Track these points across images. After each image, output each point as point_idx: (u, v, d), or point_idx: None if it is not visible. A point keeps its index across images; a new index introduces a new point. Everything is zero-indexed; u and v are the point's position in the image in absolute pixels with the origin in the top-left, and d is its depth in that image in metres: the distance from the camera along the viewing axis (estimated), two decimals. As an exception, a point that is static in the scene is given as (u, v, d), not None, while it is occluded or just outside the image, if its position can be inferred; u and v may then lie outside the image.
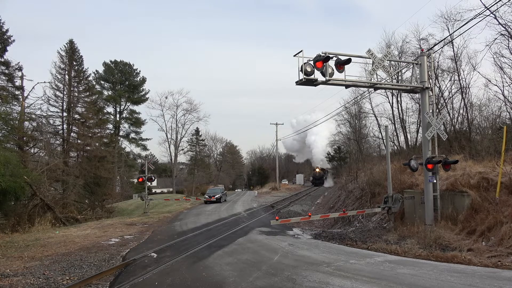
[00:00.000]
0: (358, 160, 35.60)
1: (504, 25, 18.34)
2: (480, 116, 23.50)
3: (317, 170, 66.67)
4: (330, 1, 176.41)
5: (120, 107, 60.50)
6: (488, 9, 16.64)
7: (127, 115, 61.66)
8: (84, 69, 36.16)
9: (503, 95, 20.98)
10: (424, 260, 9.91)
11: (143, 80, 62.70)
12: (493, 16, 17.69)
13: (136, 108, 62.72)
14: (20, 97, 30.59)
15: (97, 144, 36.14)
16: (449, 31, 21.81)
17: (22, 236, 17.23)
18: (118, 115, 60.30)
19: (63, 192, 29.84)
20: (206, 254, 11.74)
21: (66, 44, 34.59)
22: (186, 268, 9.88)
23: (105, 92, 58.94)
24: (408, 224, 13.60)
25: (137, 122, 61.97)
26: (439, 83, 23.89)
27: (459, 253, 9.91)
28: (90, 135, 35.76)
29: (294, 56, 11.52)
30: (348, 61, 11.69)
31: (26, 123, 28.87)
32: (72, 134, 34.46)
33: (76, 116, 34.59)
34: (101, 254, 12.32)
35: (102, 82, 60.04)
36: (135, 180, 55.39)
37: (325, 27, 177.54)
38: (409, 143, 28.68)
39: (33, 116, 29.49)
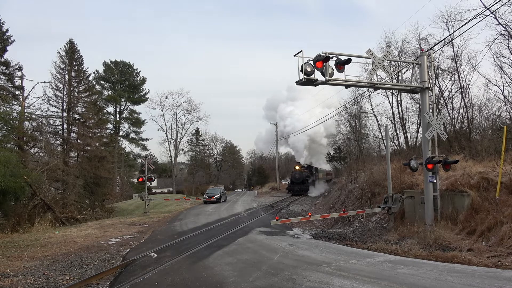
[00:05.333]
0: (358, 160, 35.54)
1: (504, 25, 18.35)
2: (480, 116, 23.54)
3: (297, 168, 44.71)
4: (331, 2, 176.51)
5: (120, 107, 60.57)
6: (488, 9, 16.65)
7: (127, 115, 61.72)
8: (84, 69, 36.16)
9: (503, 95, 21.00)
10: (424, 260, 9.92)
11: (143, 80, 62.78)
12: (493, 16, 17.70)
13: (136, 108, 62.85)
14: (20, 97, 30.54)
15: (97, 144, 36.09)
16: (449, 31, 21.82)
17: (22, 236, 17.24)
18: (118, 115, 60.36)
19: (63, 192, 29.84)
20: (206, 254, 11.74)
21: (66, 44, 34.60)
22: (186, 268, 9.89)
23: (105, 92, 58.97)
24: (408, 224, 13.60)
25: (137, 122, 62.00)
26: (439, 83, 23.90)
27: (459, 253, 9.91)
28: (90, 135, 35.73)
29: (294, 56, 11.53)
30: (348, 61, 11.69)
31: (26, 123, 28.84)
32: (72, 134, 34.45)
33: (76, 116, 34.58)
34: (101, 254, 12.33)
35: (102, 82, 60.09)
36: (135, 180, 55.36)
37: (325, 27, 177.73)
38: (409, 143, 28.66)
39: (33, 116, 29.45)
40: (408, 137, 29.35)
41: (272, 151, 65.10)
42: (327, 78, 11.75)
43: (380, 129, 33.33)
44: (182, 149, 70.67)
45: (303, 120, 45.75)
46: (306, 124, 43.10)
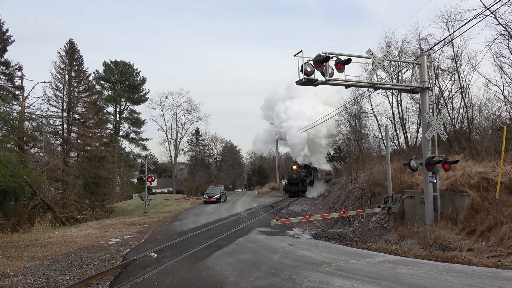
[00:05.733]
0: (358, 160, 35.56)
1: (504, 25, 18.37)
2: (480, 116, 23.56)
3: (294, 167, 42.91)
4: (331, 2, 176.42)
5: (120, 107, 60.52)
6: (488, 9, 16.66)
7: (127, 115, 61.68)
8: (84, 69, 36.13)
9: (503, 95, 21.04)
10: (424, 260, 9.92)
11: (143, 80, 62.75)
12: (493, 16, 17.72)
13: (136, 108, 62.76)
14: (20, 97, 30.56)
15: (97, 144, 36.09)
16: (449, 31, 21.84)
17: (22, 236, 17.24)
18: (118, 115, 60.32)
19: (63, 192, 29.82)
20: (206, 254, 11.75)
21: (66, 44, 34.56)
22: (186, 268, 9.89)
23: (105, 92, 58.94)
24: (408, 224, 13.61)
25: (137, 122, 61.98)
26: (439, 83, 23.92)
27: (459, 253, 9.91)
28: (90, 135, 35.72)
29: (294, 56, 11.54)
30: (348, 61, 11.70)
31: (26, 123, 28.83)
32: (72, 134, 34.42)
33: (76, 116, 34.55)
34: (101, 254, 12.33)
35: (102, 82, 60.05)
36: (135, 180, 55.37)
37: (325, 27, 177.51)
38: (409, 143, 28.68)
39: (33, 116, 29.44)
40: (408, 137, 29.41)
41: (272, 150, 64.29)
42: (327, 78, 11.76)
43: (380, 129, 33.37)
44: (182, 149, 70.81)
45: (301, 118, 43.10)
46: (304, 121, 40.95)
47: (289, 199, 38.30)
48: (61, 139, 33.70)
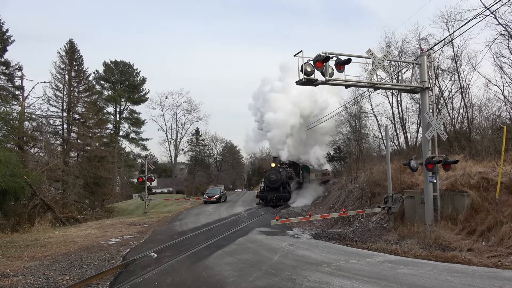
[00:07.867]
0: (358, 160, 35.48)
1: (504, 25, 18.36)
2: (480, 116, 23.51)
3: (273, 165, 32.07)
4: (331, 2, 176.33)
5: (120, 107, 60.57)
6: (488, 9, 16.65)
7: (127, 115, 61.73)
8: (84, 69, 36.17)
9: (503, 95, 21.01)
10: (424, 260, 9.92)
11: (143, 80, 62.80)
12: (493, 16, 17.71)
13: (136, 108, 62.83)
14: (20, 97, 30.57)
15: (97, 144, 36.13)
16: (449, 31, 21.81)
17: (22, 236, 17.23)
18: (118, 115, 60.36)
19: (63, 192, 29.84)
20: (206, 254, 11.75)
21: (66, 44, 34.60)
22: (186, 268, 9.89)
23: (105, 92, 59.01)
24: (408, 224, 13.60)
25: (137, 122, 62.02)
26: (439, 83, 23.88)
27: (459, 253, 9.92)
28: (90, 135, 35.76)
29: (294, 56, 11.55)
30: (348, 61, 11.70)
31: (26, 123, 28.89)
32: (72, 134, 34.46)
33: (76, 116, 34.60)
34: (101, 254, 12.33)
35: (102, 82, 60.10)
36: (135, 180, 55.34)
37: (325, 28, 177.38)
38: (409, 143, 28.66)
39: (33, 116, 29.50)
40: (408, 137, 29.37)
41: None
42: (327, 78, 11.76)
43: (380, 129, 33.27)
44: (182, 149, 70.79)
45: (284, 108, 35.61)
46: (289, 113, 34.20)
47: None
48: (61, 139, 33.73)
